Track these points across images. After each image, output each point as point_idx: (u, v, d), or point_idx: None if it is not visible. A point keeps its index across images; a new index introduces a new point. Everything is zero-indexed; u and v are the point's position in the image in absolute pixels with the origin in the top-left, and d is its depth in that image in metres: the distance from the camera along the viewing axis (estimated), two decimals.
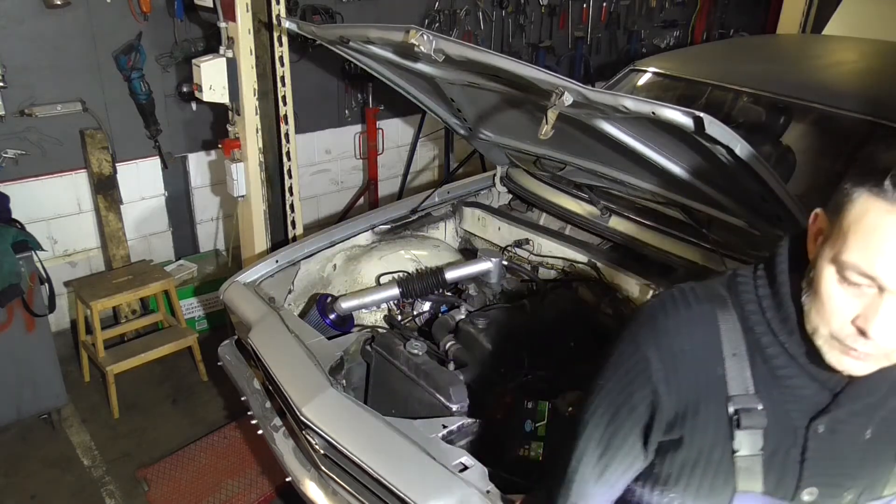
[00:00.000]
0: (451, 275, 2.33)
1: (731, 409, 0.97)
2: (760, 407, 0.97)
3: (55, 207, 3.51)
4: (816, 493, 1.01)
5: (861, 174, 0.85)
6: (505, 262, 2.43)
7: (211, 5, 3.21)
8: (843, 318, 0.87)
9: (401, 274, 2.51)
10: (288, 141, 3.36)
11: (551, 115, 1.57)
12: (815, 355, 0.93)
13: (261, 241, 3.45)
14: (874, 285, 0.83)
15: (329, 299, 2.34)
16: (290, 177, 3.44)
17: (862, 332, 0.85)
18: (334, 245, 2.68)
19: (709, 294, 1.01)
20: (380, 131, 4.53)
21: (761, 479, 0.99)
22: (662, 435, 1.01)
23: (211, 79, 3.18)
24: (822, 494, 1.02)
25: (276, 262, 2.56)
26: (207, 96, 3.24)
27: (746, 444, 0.98)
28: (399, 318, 2.43)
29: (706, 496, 1.02)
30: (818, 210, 0.92)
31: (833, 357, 0.90)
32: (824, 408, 0.98)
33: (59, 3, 3.16)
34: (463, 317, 2.22)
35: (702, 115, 1.41)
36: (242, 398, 2.36)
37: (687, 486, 1.02)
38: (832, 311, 0.87)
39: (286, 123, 3.33)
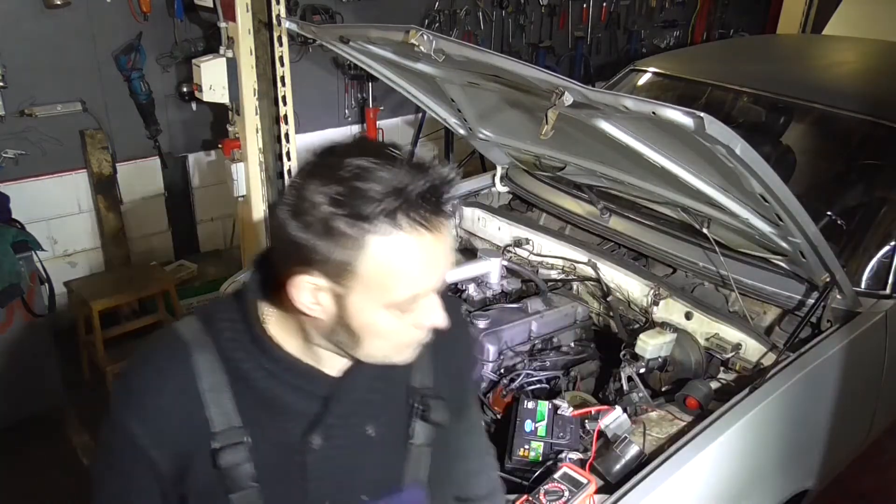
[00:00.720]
0: (451, 275, 2.33)
1: (213, 447, 0.92)
2: (246, 439, 0.92)
3: (55, 207, 3.51)
4: (330, 503, 0.99)
5: (351, 218, 0.81)
6: (505, 262, 2.43)
7: (211, 5, 3.21)
8: (418, 332, 0.93)
9: None
10: (288, 141, 3.36)
11: (551, 115, 1.57)
12: (297, 367, 0.95)
13: (261, 241, 3.45)
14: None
15: None
16: (291, 177, 3.45)
17: (434, 329, 0.93)
18: None
19: (178, 336, 0.95)
20: (380, 131, 4.53)
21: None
22: (177, 497, 0.96)
23: (211, 79, 3.19)
24: (336, 502, 1.00)
25: None
26: (207, 96, 3.24)
27: (234, 481, 0.93)
28: None
29: None
30: (298, 279, 0.86)
31: (401, 356, 0.95)
32: (317, 418, 0.96)
33: (59, 3, 3.17)
34: None
35: (702, 114, 1.41)
36: None
37: None
38: (407, 333, 0.92)
39: (286, 123, 3.33)
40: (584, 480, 1.52)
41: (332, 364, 0.97)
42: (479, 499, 1.27)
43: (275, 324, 0.96)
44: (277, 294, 0.94)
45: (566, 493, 1.48)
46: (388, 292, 0.86)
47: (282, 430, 0.96)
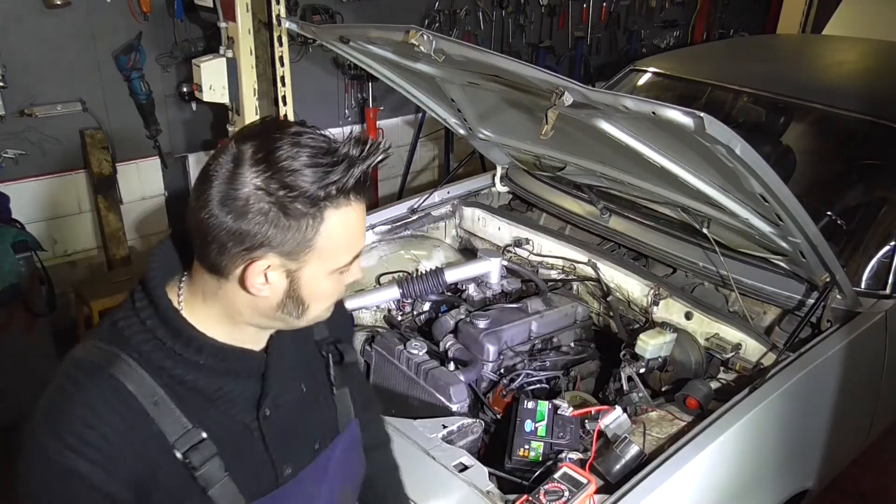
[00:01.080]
0: (451, 275, 2.33)
1: (179, 456, 0.92)
2: (203, 436, 0.93)
3: (55, 207, 3.50)
4: (293, 464, 1.05)
5: (308, 198, 0.86)
6: (505, 263, 2.43)
7: (211, 5, 3.21)
8: (343, 288, 1.01)
9: (401, 274, 2.51)
10: None
11: (551, 115, 1.57)
12: (231, 355, 0.97)
13: None
14: None
15: None
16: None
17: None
18: None
19: (93, 364, 0.90)
20: (380, 131, 4.53)
21: (239, 492, 0.97)
22: None
23: (211, 79, 3.19)
24: (297, 461, 1.05)
25: None
26: (207, 96, 3.24)
27: (209, 477, 0.94)
28: (399, 318, 2.43)
29: None
30: (257, 258, 0.89)
31: (329, 313, 1.03)
32: (262, 394, 1.00)
33: (59, 3, 3.16)
34: (463, 317, 2.22)
35: (702, 114, 1.41)
36: None
37: None
38: (338, 292, 1.00)
39: None
40: (584, 480, 1.52)
41: (256, 340, 1.01)
42: (369, 449, 1.29)
43: (194, 315, 0.96)
44: (197, 286, 0.96)
45: (566, 493, 1.48)
46: (338, 259, 0.93)
47: (232, 416, 0.98)
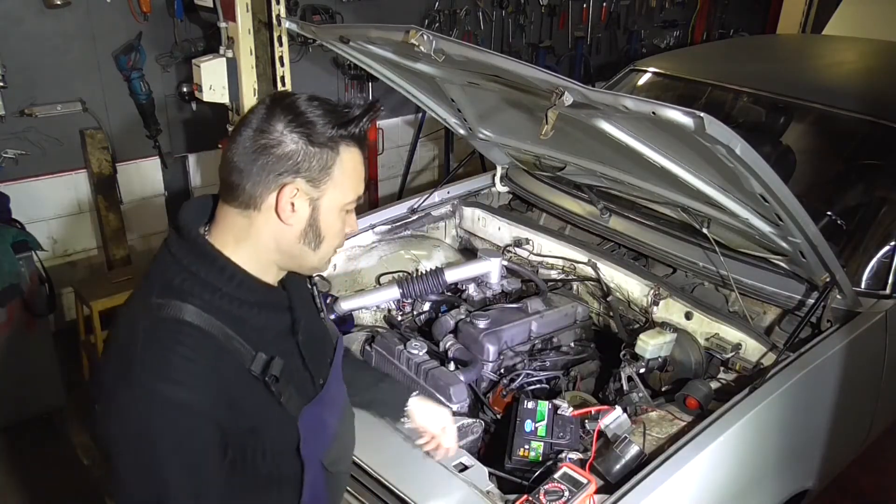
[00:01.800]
0: (451, 275, 2.33)
1: (256, 376, 1.09)
2: (264, 357, 1.09)
3: (55, 207, 3.51)
4: (322, 376, 1.26)
5: (336, 129, 1.07)
6: (505, 263, 2.43)
7: (211, 5, 3.21)
8: (343, 239, 1.18)
9: (401, 274, 2.51)
10: None
11: (551, 115, 1.57)
12: (268, 291, 1.14)
13: None
14: None
15: (329, 299, 2.34)
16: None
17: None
18: None
19: (173, 315, 1.04)
20: (380, 131, 4.53)
21: (296, 397, 1.16)
22: (240, 438, 1.09)
23: (211, 79, 3.19)
24: (323, 373, 1.27)
25: None
26: (207, 96, 3.24)
27: (281, 389, 1.12)
28: (399, 318, 2.43)
29: (286, 441, 1.18)
30: (288, 182, 1.06)
31: (329, 263, 1.20)
32: (294, 322, 1.19)
33: (59, 3, 3.17)
34: (463, 317, 2.22)
35: (702, 114, 1.41)
36: None
37: (279, 452, 1.16)
38: (341, 239, 1.17)
39: None
40: (584, 480, 1.52)
41: (273, 278, 1.17)
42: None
43: (233, 254, 1.10)
44: (228, 232, 1.11)
45: (566, 493, 1.48)
46: (346, 194, 1.12)
47: (279, 342, 1.16)
